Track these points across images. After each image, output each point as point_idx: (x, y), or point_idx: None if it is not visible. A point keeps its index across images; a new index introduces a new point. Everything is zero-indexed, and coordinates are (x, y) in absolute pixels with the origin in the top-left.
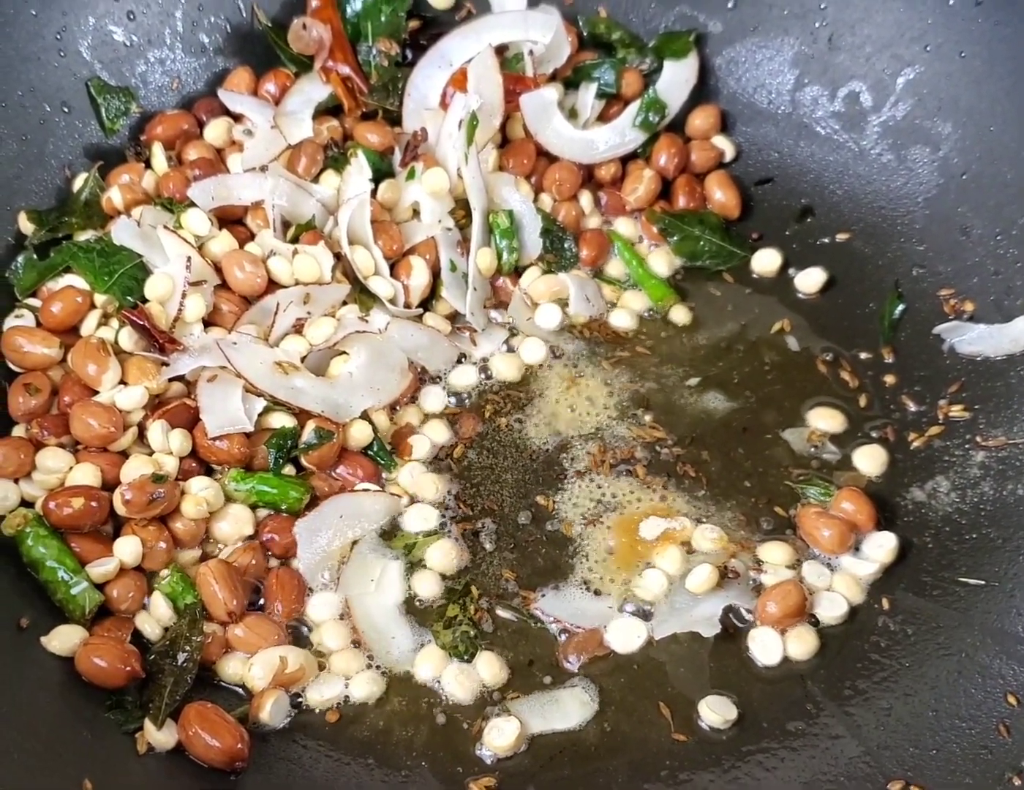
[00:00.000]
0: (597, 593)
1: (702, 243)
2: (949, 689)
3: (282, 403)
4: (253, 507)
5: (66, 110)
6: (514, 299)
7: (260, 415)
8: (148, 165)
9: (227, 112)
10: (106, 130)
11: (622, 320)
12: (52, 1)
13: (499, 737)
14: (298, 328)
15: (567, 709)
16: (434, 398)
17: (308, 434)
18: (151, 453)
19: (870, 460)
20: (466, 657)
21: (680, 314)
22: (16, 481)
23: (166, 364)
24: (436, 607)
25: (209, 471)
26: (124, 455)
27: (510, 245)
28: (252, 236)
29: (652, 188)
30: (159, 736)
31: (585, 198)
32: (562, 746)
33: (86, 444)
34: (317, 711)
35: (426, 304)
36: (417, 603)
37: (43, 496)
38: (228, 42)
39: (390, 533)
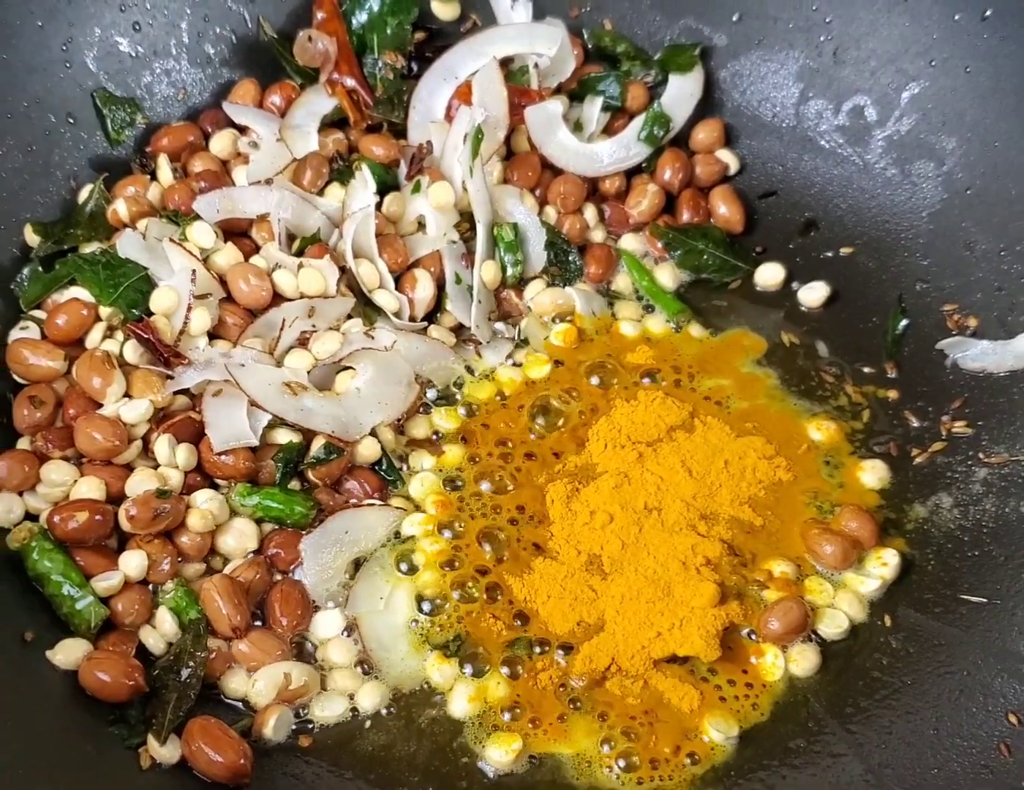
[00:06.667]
0: None
1: (706, 257)
2: (950, 707)
3: (292, 425)
4: (259, 521)
5: (71, 121)
6: (529, 319)
7: (265, 429)
8: (153, 177)
9: (232, 124)
10: (111, 141)
11: (630, 331)
12: (58, 12)
13: (502, 753)
14: (303, 341)
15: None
16: (441, 418)
17: (317, 449)
18: (156, 466)
19: (873, 475)
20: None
21: (697, 328)
22: (21, 494)
23: (171, 377)
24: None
25: (214, 486)
26: (129, 468)
27: (514, 258)
28: (257, 249)
29: (656, 202)
30: (162, 751)
31: (589, 211)
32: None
33: (90, 457)
34: (319, 727)
35: (431, 317)
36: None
37: (48, 509)
38: (234, 54)
39: (399, 544)
